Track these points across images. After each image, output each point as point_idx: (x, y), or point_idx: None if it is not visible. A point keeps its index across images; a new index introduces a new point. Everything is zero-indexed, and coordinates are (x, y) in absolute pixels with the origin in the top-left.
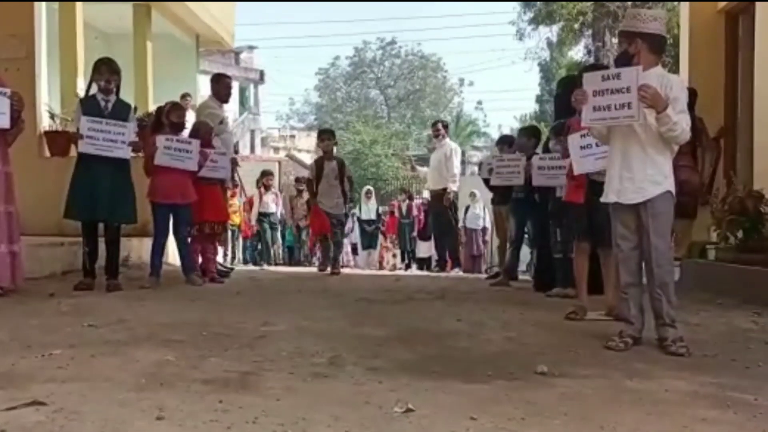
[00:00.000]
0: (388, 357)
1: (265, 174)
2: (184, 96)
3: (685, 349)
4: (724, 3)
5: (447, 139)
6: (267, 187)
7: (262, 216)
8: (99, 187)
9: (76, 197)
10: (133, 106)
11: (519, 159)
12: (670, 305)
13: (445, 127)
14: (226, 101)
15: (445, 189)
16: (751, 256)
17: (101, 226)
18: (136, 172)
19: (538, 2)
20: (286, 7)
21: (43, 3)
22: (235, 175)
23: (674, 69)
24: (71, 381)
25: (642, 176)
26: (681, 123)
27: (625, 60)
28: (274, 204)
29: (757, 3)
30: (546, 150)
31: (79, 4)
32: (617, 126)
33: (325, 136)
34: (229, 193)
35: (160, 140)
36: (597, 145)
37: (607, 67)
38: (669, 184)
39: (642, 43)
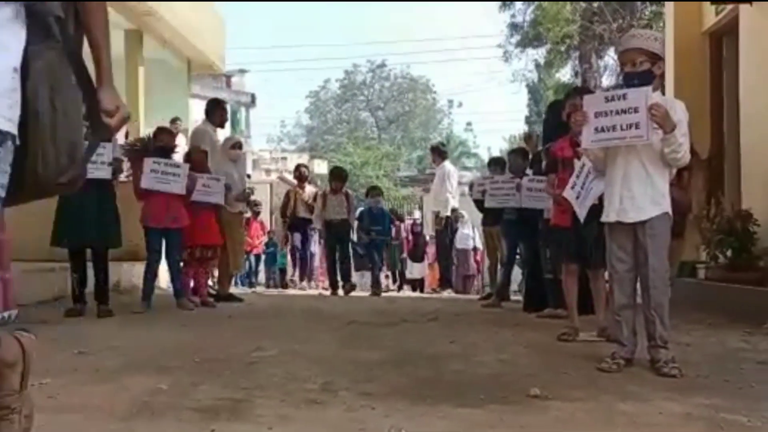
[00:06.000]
0: (381, 381)
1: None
2: (174, 120)
3: (678, 371)
4: (708, 25)
5: (445, 162)
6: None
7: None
8: (85, 213)
9: (63, 224)
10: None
11: (513, 181)
12: (663, 327)
13: (437, 150)
14: (222, 126)
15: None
16: (741, 275)
17: (89, 251)
18: (125, 196)
19: (525, 25)
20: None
21: None
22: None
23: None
24: (64, 411)
25: (642, 196)
26: (684, 145)
27: (645, 79)
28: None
29: (741, 24)
30: (538, 172)
31: None
32: (619, 146)
33: None
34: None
35: (148, 163)
36: (582, 187)
37: (593, 91)
38: (667, 206)
39: (662, 65)
